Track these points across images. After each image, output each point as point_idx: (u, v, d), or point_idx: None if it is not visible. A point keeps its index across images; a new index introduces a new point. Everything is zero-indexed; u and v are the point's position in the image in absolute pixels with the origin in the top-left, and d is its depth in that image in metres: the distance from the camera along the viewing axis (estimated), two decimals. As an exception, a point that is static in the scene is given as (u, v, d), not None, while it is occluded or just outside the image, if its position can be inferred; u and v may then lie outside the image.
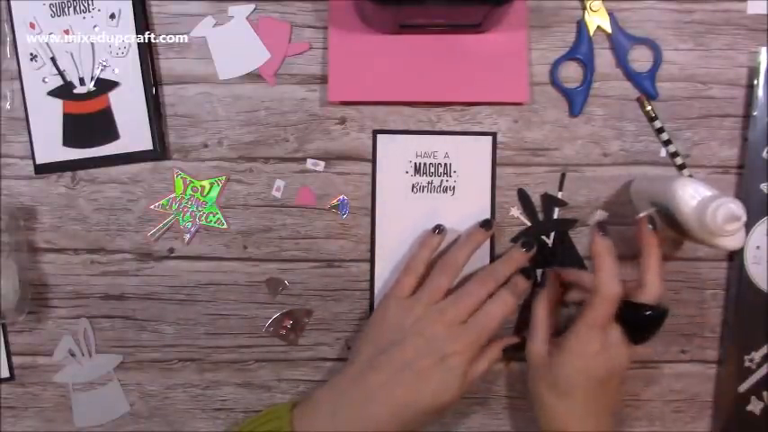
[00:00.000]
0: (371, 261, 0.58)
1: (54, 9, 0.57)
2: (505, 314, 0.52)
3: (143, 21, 0.57)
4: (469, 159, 0.58)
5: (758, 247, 0.57)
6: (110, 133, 0.57)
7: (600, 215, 0.55)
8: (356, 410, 0.49)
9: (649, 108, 0.57)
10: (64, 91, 0.57)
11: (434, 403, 0.49)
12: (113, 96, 0.57)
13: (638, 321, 0.50)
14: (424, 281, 0.54)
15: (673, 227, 0.50)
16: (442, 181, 0.58)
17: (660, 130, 0.57)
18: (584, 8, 0.57)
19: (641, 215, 0.51)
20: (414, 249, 0.57)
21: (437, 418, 0.51)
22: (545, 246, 0.58)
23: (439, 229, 0.55)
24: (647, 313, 0.49)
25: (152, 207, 0.58)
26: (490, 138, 0.58)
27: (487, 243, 0.57)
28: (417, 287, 0.53)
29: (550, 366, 0.51)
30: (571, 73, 0.57)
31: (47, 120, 0.57)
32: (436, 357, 0.50)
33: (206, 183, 0.58)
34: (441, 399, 0.50)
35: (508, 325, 0.58)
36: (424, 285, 0.53)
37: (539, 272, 0.57)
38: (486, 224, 0.55)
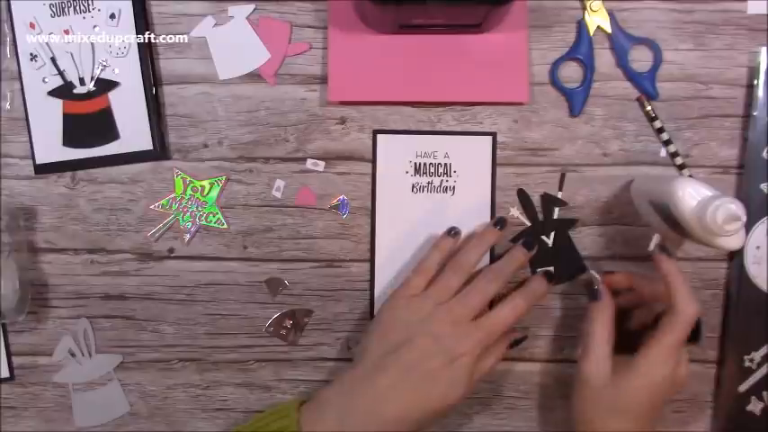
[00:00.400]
0: (371, 261, 0.58)
1: (54, 9, 0.57)
2: (516, 318, 0.52)
3: (143, 21, 0.57)
4: (469, 159, 0.58)
5: (758, 247, 0.57)
6: (110, 133, 0.57)
7: (656, 239, 0.53)
8: (365, 411, 0.49)
9: (649, 108, 0.57)
10: (64, 91, 0.57)
11: (443, 404, 0.49)
12: (113, 96, 0.57)
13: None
14: (434, 281, 0.53)
15: (673, 227, 0.50)
16: (441, 181, 0.58)
17: (660, 130, 0.57)
18: (584, 8, 0.57)
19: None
20: (423, 246, 0.56)
21: (441, 419, 0.51)
22: (545, 246, 0.58)
23: (454, 232, 0.55)
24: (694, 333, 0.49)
25: (152, 207, 0.58)
26: (490, 138, 0.58)
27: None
28: (426, 288, 0.53)
29: (615, 389, 0.49)
30: (571, 73, 0.57)
31: (47, 120, 0.57)
32: (445, 358, 0.49)
33: (206, 183, 0.58)
34: (449, 399, 0.49)
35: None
36: (435, 284, 0.53)
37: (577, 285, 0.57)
38: (499, 223, 0.55)
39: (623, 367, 0.49)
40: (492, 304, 0.52)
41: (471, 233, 0.57)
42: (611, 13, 0.56)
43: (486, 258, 0.58)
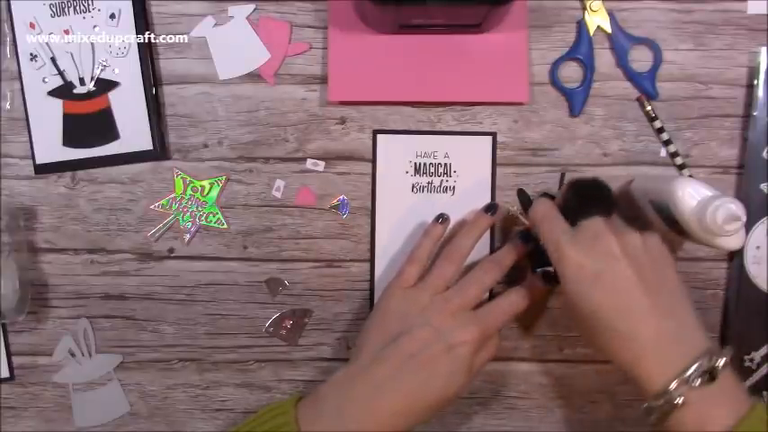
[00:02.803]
0: (371, 261, 0.58)
1: (54, 9, 0.57)
2: (513, 313, 0.52)
3: (143, 21, 0.57)
4: (469, 159, 0.58)
5: (758, 247, 0.57)
6: (110, 133, 0.57)
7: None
8: (364, 405, 0.48)
9: (649, 108, 0.57)
10: (64, 91, 0.57)
11: (443, 394, 0.49)
12: (113, 96, 0.57)
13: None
14: (428, 270, 0.53)
15: (673, 227, 0.50)
16: (441, 181, 0.58)
17: (660, 130, 0.57)
18: (584, 8, 0.57)
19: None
20: (417, 240, 0.56)
21: (440, 413, 0.51)
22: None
23: (442, 219, 0.55)
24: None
25: (152, 207, 0.58)
26: (490, 138, 0.58)
27: (487, 239, 0.57)
28: (421, 277, 0.53)
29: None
30: (571, 73, 0.57)
31: (47, 120, 0.57)
32: (443, 347, 0.49)
33: (206, 183, 0.58)
34: (449, 389, 0.49)
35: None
36: (429, 274, 0.52)
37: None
38: (490, 208, 0.55)
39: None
40: (490, 298, 0.53)
41: (463, 220, 0.57)
42: (611, 13, 0.56)
43: (487, 252, 0.58)
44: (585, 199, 0.50)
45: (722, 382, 0.43)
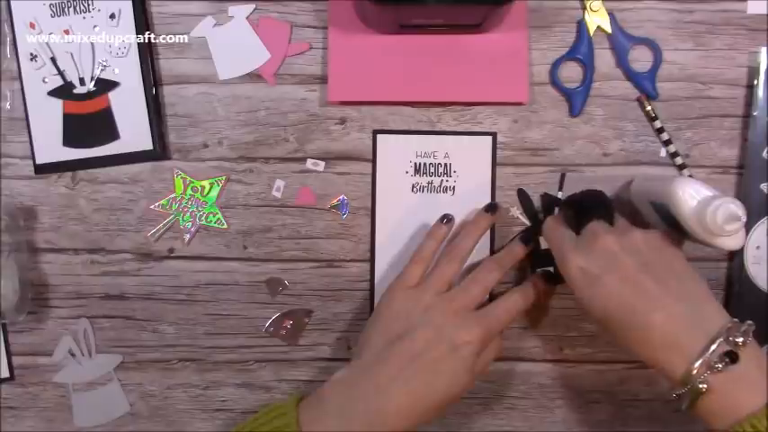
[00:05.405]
0: (371, 261, 0.58)
1: (54, 9, 0.57)
2: (516, 313, 0.52)
3: (143, 21, 0.57)
4: (469, 159, 0.58)
5: (758, 247, 0.57)
6: (110, 133, 0.57)
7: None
8: (367, 405, 0.48)
9: (649, 108, 0.57)
10: (64, 91, 0.57)
11: (447, 394, 0.48)
12: (113, 96, 0.57)
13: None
14: (431, 270, 0.53)
15: (673, 227, 0.50)
16: (441, 181, 0.58)
17: (660, 130, 0.57)
18: (584, 8, 0.57)
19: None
20: (421, 240, 0.56)
21: (442, 413, 0.51)
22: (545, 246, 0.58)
23: (447, 219, 0.55)
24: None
25: (152, 207, 0.58)
26: (490, 138, 0.58)
27: (488, 239, 0.57)
28: (423, 277, 0.53)
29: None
30: (571, 73, 0.57)
31: (47, 120, 0.57)
32: (447, 347, 0.48)
33: (206, 183, 0.58)
34: (453, 390, 0.48)
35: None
36: (431, 274, 0.52)
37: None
38: (490, 208, 0.55)
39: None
40: (490, 300, 0.53)
41: (464, 221, 0.57)
42: (611, 13, 0.56)
43: (487, 253, 0.58)
44: (583, 209, 0.51)
45: (747, 361, 0.40)
